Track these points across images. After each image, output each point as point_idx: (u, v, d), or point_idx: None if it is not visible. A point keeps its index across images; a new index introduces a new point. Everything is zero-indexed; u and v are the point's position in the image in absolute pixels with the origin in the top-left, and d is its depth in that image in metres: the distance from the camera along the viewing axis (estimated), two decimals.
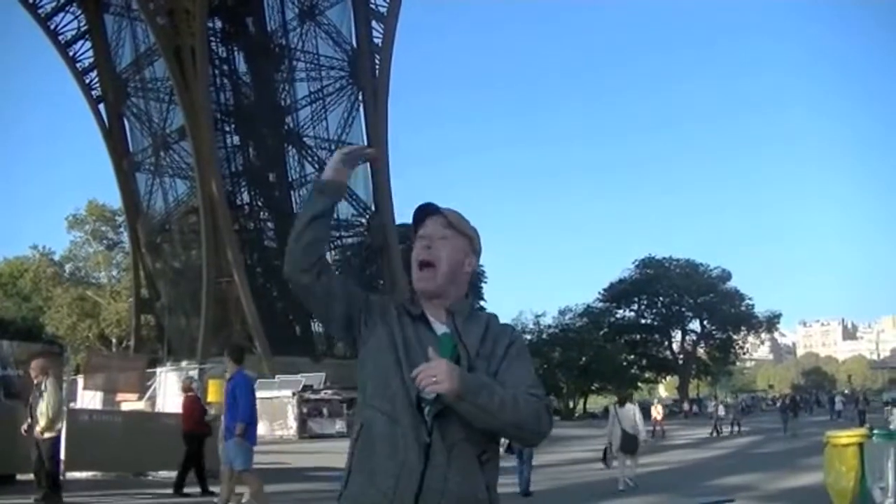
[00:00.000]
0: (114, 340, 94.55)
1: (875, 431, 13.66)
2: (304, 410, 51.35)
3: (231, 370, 14.12)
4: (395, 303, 3.44)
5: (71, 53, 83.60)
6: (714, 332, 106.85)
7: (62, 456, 20.06)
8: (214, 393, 24.62)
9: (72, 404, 28.61)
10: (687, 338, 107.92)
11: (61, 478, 19.57)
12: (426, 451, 3.11)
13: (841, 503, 12.59)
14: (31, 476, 19.27)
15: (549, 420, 3.27)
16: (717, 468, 26.53)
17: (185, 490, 18.07)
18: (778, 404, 67.77)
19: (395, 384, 3.20)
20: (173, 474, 18.31)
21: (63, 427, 17.46)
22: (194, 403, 19.72)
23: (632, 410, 20.58)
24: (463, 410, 3.06)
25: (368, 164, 79.31)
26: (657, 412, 51.15)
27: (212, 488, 18.15)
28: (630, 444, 19.75)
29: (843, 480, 12.50)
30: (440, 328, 3.33)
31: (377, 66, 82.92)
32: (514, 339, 3.41)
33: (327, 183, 3.38)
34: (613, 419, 20.40)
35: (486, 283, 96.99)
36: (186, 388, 20.14)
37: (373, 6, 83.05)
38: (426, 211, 3.44)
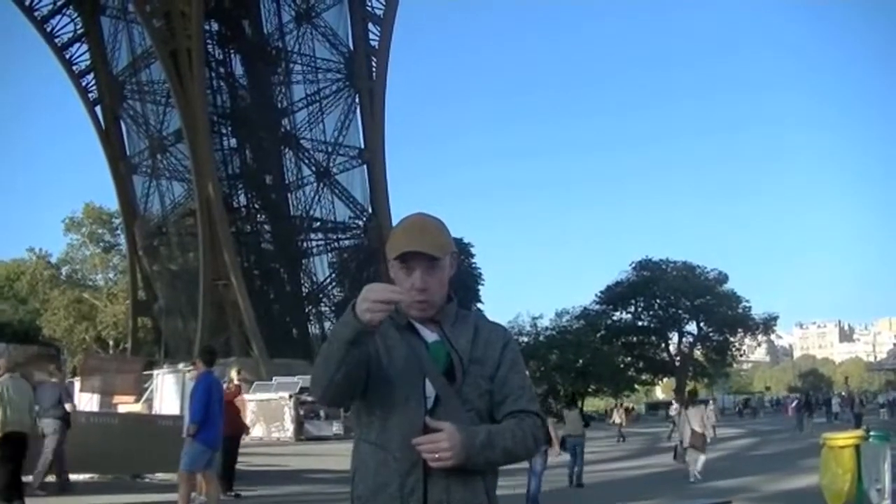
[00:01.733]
0: (111, 343, 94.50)
1: (872, 433, 13.67)
2: (301, 413, 51.30)
3: (199, 371, 14.13)
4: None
5: (67, 56, 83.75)
6: (711, 334, 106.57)
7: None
8: None
9: (68, 406, 28.61)
10: (684, 340, 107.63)
11: (62, 478, 19.60)
12: (425, 466, 3.10)
13: None
14: (29, 478, 19.32)
15: (540, 437, 3.34)
16: (714, 470, 26.50)
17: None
18: (793, 404, 68.08)
19: (386, 408, 3.21)
20: (171, 476, 18.29)
21: (48, 430, 17.45)
22: (231, 406, 19.85)
23: (700, 411, 22.78)
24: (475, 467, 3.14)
25: (365, 168, 79.56)
26: (619, 416, 51.02)
27: (236, 489, 18.35)
28: (698, 441, 21.84)
29: (839, 482, 12.50)
30: (429, 336, 3.29)
31: (374, 69, 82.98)
32: (507, 342, 3.40)
33: (358, 320, 2.97)
34: (683, 419, 22.80)
35: (483, 285, 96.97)
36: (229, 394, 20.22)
37: (369, 8, 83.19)
38: (412, 250, 3.23)
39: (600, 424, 64.04)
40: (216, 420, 13.69)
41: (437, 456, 3.00)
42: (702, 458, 22.00)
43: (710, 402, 56.42)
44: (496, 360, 3.31)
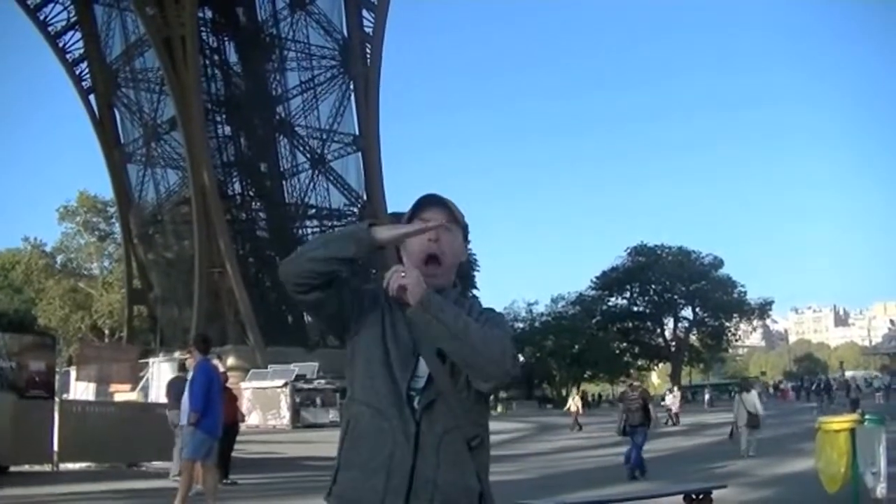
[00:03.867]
0: (106, 331, 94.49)
1: (867, 417, 13.71)
2: (298, 400, 51.43)
3: (196, 359, 14.09)
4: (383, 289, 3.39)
5: (60, 44, 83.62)
6: (706, 320, 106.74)
7: (55, 447, 20.17)
8: None
9: (65, 395, 28.64)
10: (679, 325, 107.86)
11: (55, 469, 19.66)
12: (415, 443, 3.11)
13: (831, 488, 12.62)
14: (26, 467, 19.36)
15: (513, 358, 3.24)
16: (708, 455, 26.60)
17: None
18: (813, 387, 69.08)
19: (381, 377, 3.20)
20: (167, 464, 18.33)
21: None
22: (227, 394, 19.91)
23: (753, 395, 26.28)
24: (426, 325, 3.10)
25: (360, 155, 79.42)
26: (575, 404, 48.92)
27: (232, 477, 18.41)
28: (753, 421, 24.70)
29: (834, 466, 12.53)
30: None
31: (368, 56, 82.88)
32: (496, 318, 3.42)
33: (375, 240, 3.19)
34: (739, 402, 25.61)
35: (478, 271, 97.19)
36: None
37: None
38: (430, 201, 3.41)
39: (594, 410, 64.25)
40: (216, 408, 13.64)
41: (402, 282, 3.11)
42: (755, 434, 24.85)
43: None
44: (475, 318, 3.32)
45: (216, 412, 13.65)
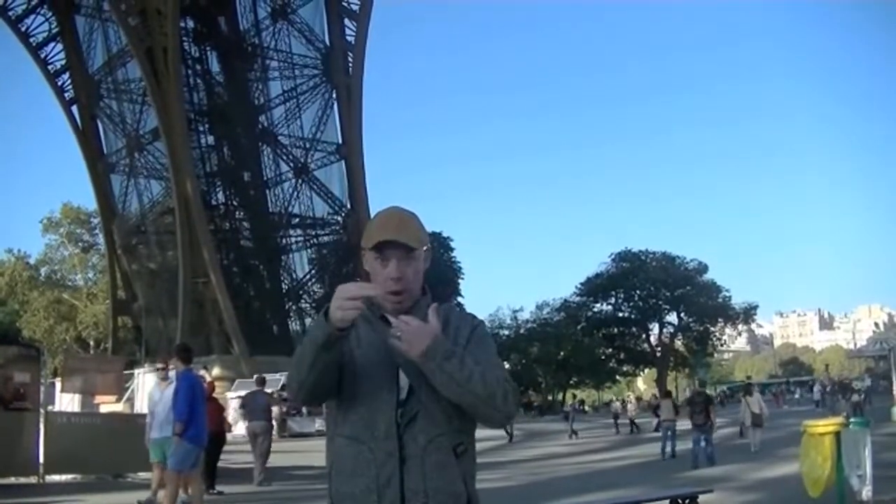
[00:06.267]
0: (91, 343, 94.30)
1: (852, 420, 13.77)
2: (284, 410, 51.29)
3: (179, 369, 14.09)
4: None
5: (42, 55, 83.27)
6: (691, 325, 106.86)
7: (41, 459, 20.11)
8: None
9: (50, 407, 28.54)
10: (664, 330, 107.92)
11: (41, 481, 19.61)
12: (400, 457, 3.14)
13: (815, 491, 12.64)
14: (12, 479, 19.29)
15: (514, 401, 3.30)
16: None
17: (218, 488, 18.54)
18: (828, 389, 69.64)
19: (358, 401, 3.23)
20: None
21: None
22: (213, 404, 19.94)
23: (756, 397, 29.97)
24: (430, 374, 3.09)
25: (343, 164, 79.44)
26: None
27: (219, 487, 18.53)
28: (758, 420, 28.07)
29: (818, 469, 12.55)
30: None
31: (350, 64, 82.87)
32: (476, 325, 3.44)
33: (332, 323, 3.05)
34: (745, 405, 28.76)
35: (463, 279, 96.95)
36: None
37: (345, 4, 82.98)
38: (388, 242, 3.29)
39: (581, 417, 64.20)
40: (200, 418, 13.69)
41: (408, 335, 3.04)
42: (759, 432, 27.99)
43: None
44: (464, 342, 3.32)
45: (201, 422, 13.70)
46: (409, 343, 3.03)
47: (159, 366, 18.07)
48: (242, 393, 53.36)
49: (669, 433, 27.67)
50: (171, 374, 14.88)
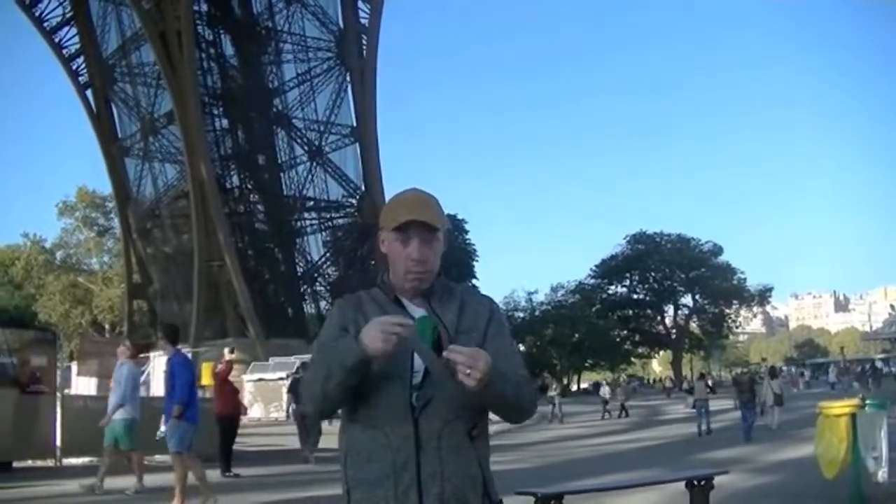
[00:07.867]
0: (107, 326, 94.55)
1: (868, 401, 13.71)
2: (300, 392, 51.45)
3: (168, 351, 14.02)
4: (366, 293, 3.43)
5: (57, 40, 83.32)
6: (706, 307, 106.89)
7: (58, 442, 20.20)
8: (207, 376, 24.76)
9: (66, 390, 28.64)
10: (679, 312, 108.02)
11: (58, 464, 19.70)
12: (416, 441, 3.13)
13: (830, 472, 12.60)
14: (29, 463, 19.38)
15: (536, 401, 3.38)
16: (710, 441, 26.68)
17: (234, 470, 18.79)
18: (858, 369, 70.15)
19: (373, 386, 3.19)
20: (168, 458, 18.33)
21: None
22: (229, 386, 20.07)
23: (778, 379, 32.60)
24: (480, 396, 3.07)
25: (358, 146, 79.37)
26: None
27: (235, 470, 18.74)
28: (778, 400, 30.53)
29: (834, 450, 12.50)
30: (416, 310, 3.30)
31: (364, 47, 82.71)
32: (492, 312, 3.43)
33: (365, 352, 3.04)
34: (767, 385, 31.00)
35: (477, 261, 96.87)
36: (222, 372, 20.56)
37: None
38: (413, 222, 3.28)
39: (595, 399, 64.21)
40: (194, 397, 13.88)
41: (469, 370, 2.95)
42: (777, 411, 30.27)
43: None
44: (482, 330, 3.32)
45: (195, 401, 13.87)
46: (466, 377, 2.97)
47: (127, 343, 17.98)
48: (257, 376, 53.86)
49: (703, 411, 30.73)
50: (153, 354, 14.96)
